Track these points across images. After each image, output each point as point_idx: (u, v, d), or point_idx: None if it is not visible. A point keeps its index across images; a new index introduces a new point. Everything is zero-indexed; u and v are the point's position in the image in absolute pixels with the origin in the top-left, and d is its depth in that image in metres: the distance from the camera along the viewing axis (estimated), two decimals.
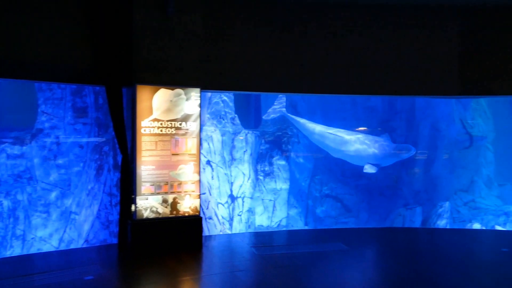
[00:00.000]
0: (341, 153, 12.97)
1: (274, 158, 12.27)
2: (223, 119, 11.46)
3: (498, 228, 12.75)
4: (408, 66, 8.09)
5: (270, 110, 13.30)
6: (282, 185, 12.15)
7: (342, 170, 13.34)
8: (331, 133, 13.14)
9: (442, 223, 12.89)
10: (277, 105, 13.37)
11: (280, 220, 12.08)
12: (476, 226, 12.90)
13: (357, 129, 13.82)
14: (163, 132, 6.53)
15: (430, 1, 7.67)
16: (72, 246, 7.92)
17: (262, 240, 7.37)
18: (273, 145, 12.43)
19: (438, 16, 8.07)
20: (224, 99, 11.58)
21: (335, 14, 7.83)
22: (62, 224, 8.10)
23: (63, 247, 7.90)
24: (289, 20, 7.69)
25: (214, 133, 11.07)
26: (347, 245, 6.67)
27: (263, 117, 13.20)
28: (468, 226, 12.81)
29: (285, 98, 13.24)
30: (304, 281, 5.20)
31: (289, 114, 13.14)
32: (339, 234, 7.80)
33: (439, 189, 14.23)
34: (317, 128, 13.13)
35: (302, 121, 13.29)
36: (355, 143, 13.03)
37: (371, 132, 13.48)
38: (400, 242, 7.14)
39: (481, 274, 5.42)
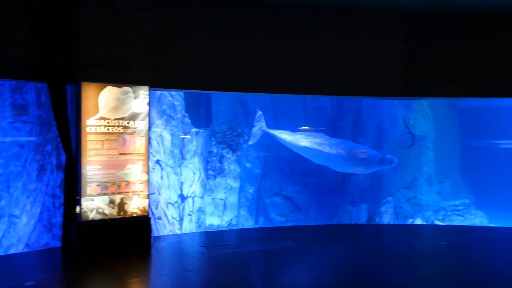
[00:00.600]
0: (327, 163, 13.24)
1: (225, 157, 12.26)
2: (173, 118, 11.30)
3: (437, 223, 13.44)
4: (355, 68, 8.33)
5: (220, 108, 13.24)
6: (233, 184, 12.16)
7: (292, 169, 13.55)
8: (315, 148, 13.42)
9: (386, 219, 13.41)
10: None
11: (231, 219, 12.09)
12: (418, 221, 13.53)
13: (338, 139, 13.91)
14: (110, 131, 6.35)
15: (377, 6, 7.93)
16: (12, 251, 7.53)
17: (212, 239, 7.35)
18: (224, 144, 12.41)
19: (383, 20, 8.37)
20: (174, 97, 11.42)
21: (287, 16, 7.93)
22: (0, 228, 7.68)
23: (1, 252, 7.49)
24: (241, 19, 7.70)
25: (163, 132, 10.90)
26: (295, 242, 6.79)
27: (214, 115, 13.15)
28: (410, 222, 13.40)
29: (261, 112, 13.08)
30: (253, 279, 5.24)
31: (270, 130, 13.15)
32: (289, 232, 7.93)
33: (383, 186, 14.79)
34: (302, 142, 13.24)
35: (284, 135, 13.37)
36: (340, 156, 13.26)
37: (353, 141, 13.86)
38: (346, 239, 7.36)
39: (422, 267, 5.70)
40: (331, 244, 6.98)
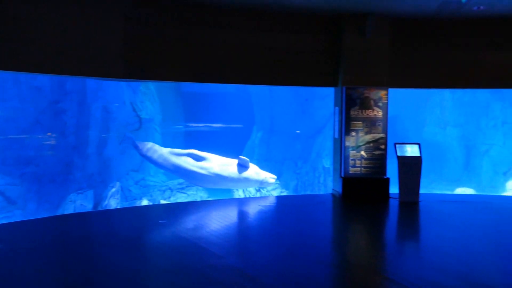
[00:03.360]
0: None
1: None
2: None
3: (163, 202, 14.03)
4: (74, 46, 7.69)
5: None
6: None
7: (2, 158, 11.70)
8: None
9: (114, 204, 13.18)
10: None
11: None
12: (145, 202, 13.81)
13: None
14: None
15: None
16: None
17: None
18: None
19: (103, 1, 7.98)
20: None
21: None
22: None
23: None
24: None
25: None
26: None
27: None
28: (138, 204, 13.55)
29: None
30: None
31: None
32: None
33: (111, 170, 14.48)
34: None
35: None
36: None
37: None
38: (70, 230, 6.76)
39: (137, 248, 5.71)
40: (52, 239, 6.26)
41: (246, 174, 12.99)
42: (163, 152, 13.65)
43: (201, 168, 13.05)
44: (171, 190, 15.21)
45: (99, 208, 12.57)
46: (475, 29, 9.31)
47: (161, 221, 7.18)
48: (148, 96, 18.11)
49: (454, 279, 4.42)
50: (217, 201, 9.60)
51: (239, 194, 17.33)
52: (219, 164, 13.10)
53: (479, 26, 9.27)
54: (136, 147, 13.99)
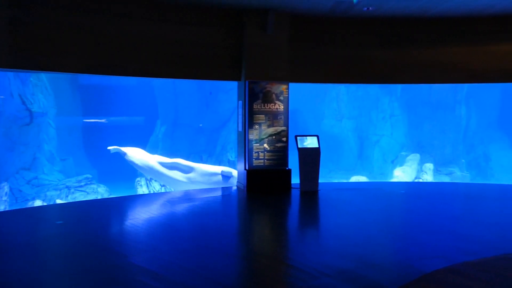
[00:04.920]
0: None
1: None
2: None
3: (59, 201, 13.17)
4: None
5: None
6: None
7: None
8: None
9: (1, 206, 12.07)
10: None
11: None
12: (38, 203, 12.86)
13: None
14: None
15: None
16: None
17: None
18: None
19: None
20: None
21: None
22: None
23: None
24: None
25: None
26: None
27: None
28: (30, 205, 12.56)
29: None
30: None
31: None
32: None
33: None
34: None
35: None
36: None
37: None
38: None
39: (36, 252, 5.29)
40: None
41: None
42: (150, 161, 13.41)
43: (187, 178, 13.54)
44: (69, 188, 14.31)
45: None
46: (365, 28, 10.02)
47: (58, 222, 6.71)
48: (40, 88, 16.78)
49: (351, 262, 4.77)
50: (119, 198, 9.23)
51: (143, 190, 16.86)
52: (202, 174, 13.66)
53: (369, 26, 10.00)
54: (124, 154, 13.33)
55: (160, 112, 22.50)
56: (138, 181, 17.21)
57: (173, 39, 9.04)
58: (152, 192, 16.24)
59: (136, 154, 13.76)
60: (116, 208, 8.05)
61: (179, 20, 9.07)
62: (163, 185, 16.05)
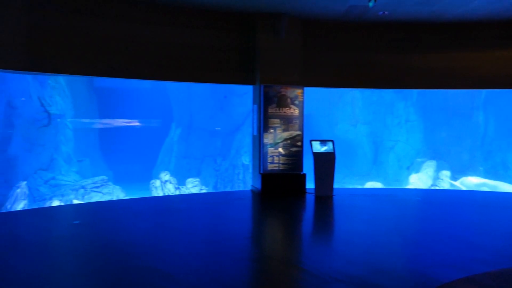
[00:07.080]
0: None
1: None
2: None
3: (76, 202, 13.36)
4: None
5: None
6: None
7: None
8: None
9: (20, 205, 12.29)
10: None
11: None
12: (56, 203, 13.06)
13: None
14: None
15: None
16: None
17: None
18: None
19: None
20: None
21: None
22: None
23: None
24: None
25: None
26: None
27: None
28: (48, 204, 12.77)
29: None
30: None
31: None
32: None
33: (16, 169, 13.47)
34: None
35: None
36: None
37: None
38: None
39: (53, 250, 5.39)
40: None
41: None
42: None
43: None
44: (85, 189, 14.51)
45: (3, 210, 11.64)
46: (377, 33, 9.99)
47: (74, 222, 6.82)
48: (58, 91, 17.08)
49: (363, 268, 4.74)
50: (134, 199, 9.33)
51: (158, 192, 17.00)
52: None
53: (381, 31, 9.96)
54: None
55: (175, 115, 22.67)
56: (152, 182, 17.36)
57: (186, 43, 9.14)
58: (166, 194, 16.36)
59: None
60: (130, 209, 8.13)
61: (191, 25, 9.17)
62: (178, 188, 16.16)
